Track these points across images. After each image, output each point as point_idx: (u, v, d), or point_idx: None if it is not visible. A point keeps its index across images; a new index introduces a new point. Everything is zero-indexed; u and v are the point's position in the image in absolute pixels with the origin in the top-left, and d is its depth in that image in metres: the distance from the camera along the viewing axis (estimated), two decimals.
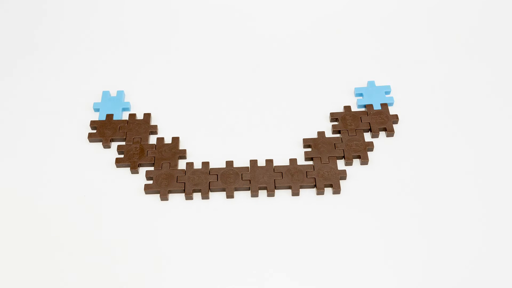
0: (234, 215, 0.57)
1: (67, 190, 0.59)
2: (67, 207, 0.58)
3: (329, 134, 0.63)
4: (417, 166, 0.60)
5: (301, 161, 0.61)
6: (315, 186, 0.58)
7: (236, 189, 0.59)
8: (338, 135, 0.63)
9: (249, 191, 0.59)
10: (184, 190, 0.58)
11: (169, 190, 0.58)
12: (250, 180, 0.59)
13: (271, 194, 0.58)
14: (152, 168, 0.61)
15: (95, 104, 0.67)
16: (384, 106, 0.65)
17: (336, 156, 0.61)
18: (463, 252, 0.53)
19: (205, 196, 0.58)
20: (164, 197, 0.58)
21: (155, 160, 0.61)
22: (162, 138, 0.63)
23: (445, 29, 0.75)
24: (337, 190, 0.58)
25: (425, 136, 0.63)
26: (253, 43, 0.75)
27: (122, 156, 0.62)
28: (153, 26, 0.77)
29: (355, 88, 0.67)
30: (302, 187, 0.58)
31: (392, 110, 0.65)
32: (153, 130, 0.64)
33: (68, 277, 0.53)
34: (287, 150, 0.62)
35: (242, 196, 0.59)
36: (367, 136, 0.63)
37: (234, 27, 0.76)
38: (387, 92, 0.67)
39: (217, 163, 0.61)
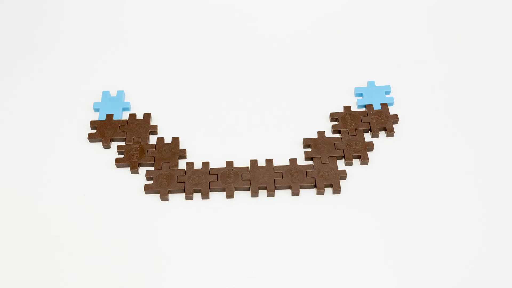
0: (234, 215, 0.57)
1: (67, 190, 0.59)
2: (67, 207, 0.58)
3: (329, 134, 0.63)
4: (417, 166, 0.60)
5: (301, 161, 0.61)
6: (315, 186, 0.58)
7: (236, 189, 0.59)
8: (338, 135, 0.63)
9: (249, 191, 0.59)
10: (184, 190, 0.58)
11: (169, 190, 0.58)
12: (250, 180, 0.59)
13: (271, 194, 0.58)
14: (152, 168, 0.61)
15: (95, 104, 0.67)
16: (384, 106, 0.65)
17: (336, 156, 0.61)
18: (463, 252, 0.53)
19: (205, 196, 0.58)
20: (164, 197, 0.58)
21: (155, 160, 0.61)
22: (162, 138, 0.63)
23: (445, 29, 0.75)
24: (337, 190, 0.58)
25: (425, 136, 0.63)
26: (253, 43, 0.75)
27: (122, 156, 0.62)
28: (153, 26, 0.77)
29: (355, 88, 0.67)
30: (302, 187, 0.58)
31: (392, 110, 0.65)
32: (153, 130, 0.64)
33: (68, 277, 0.53)
34: (287, 150, 0.62)
35: (242, 196, 0.59)
36: (367, 136, 0.63)
37: (234, 27, 0.76)
38: (387, 92, 0.67)
39: (217, 163, 0.61)
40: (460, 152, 0.61)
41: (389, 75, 0.70)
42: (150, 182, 0.60)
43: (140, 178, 0.60)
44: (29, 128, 0.65)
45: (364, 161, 0.60)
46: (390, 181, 0.59)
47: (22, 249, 0.55)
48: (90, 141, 0.64)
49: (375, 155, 0.61)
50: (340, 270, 0.53)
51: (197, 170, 0.60)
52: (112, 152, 0.63)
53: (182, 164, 0.61)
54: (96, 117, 0.66)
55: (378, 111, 0.65)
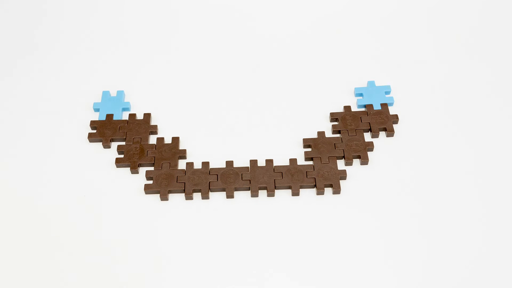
0: (234, 215, 0.57)
1: (67, 190, 0.59)
2: (67, 207, 0.58)
3: (329, 134, 0.63)
4: (417, 166, 0.60)
5: (301, 161, 0.61)
6: (315, 186, 0.58)
7: (236, 189, 0.59)
8: (338, 135, 0.63)
9: (249, 191, 0.59)
10: (184, 190, 0.58)
11: (169, 190, 0.58)
12: (250, 180, 0.59)
13: (271, 194, 0.58)
14: (152, 168, 0.61)
15: (95, 104, 0.67)
16: (384, 106, 0.65)
17: (336, 156, 0.61)
18: (463, 252, 0.53)
19: (205, 196, 0.58)
20: (164, 197, 0.58)
21: (155, 160, 0.61)
22: (162, 138, 0.63)
23: (445, 29, 0.75)
24: (337, 190, 0.58)
25: (425, 136, 0.63)
26: (253, 43, 0.74)
27: (122, 156, 0.62)
28: (153, 26, 0.77)
29: (355, 88, 0.67)
30: (302, 187, 0.58)
31: (392, 110, 0.65)
32: (153, 130, 0.64)
33: (68, 277, 0.53)
34: (287, 150, 0.62)
35: (242, 196, 0.59)
36: (367, 136, 0.63)
37: (234, 27, 0.76)
38: (387, 92, 0.67)
39: (217, 163, 0.61)
40: (460, 152, 0.61)
41: (389, 75, 0.70)
42: (150, 182, 0.60)
43: (140, 178, 0.60)
44: (29, 128, 0.65)
45: (364, 161, 0.60)
46: (390, 181, 0.59)
47: (22, 249, 0.55)
48: (90, 141, 0.64)
49: (375, 155, 0.61)
50: (340, 270, 0.53)
51: (197, 170, 0.60)
52: (112, 152, 0.63)
53: (182, 164, 0.61)
54: (96, 117, 0.66)
55: (378, 111, 0.65)
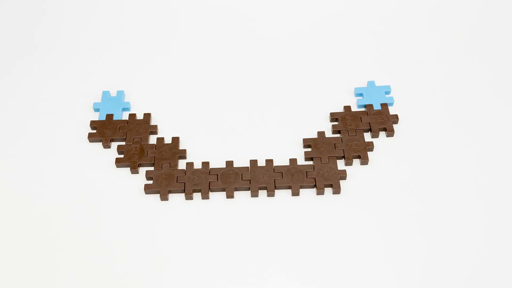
0: (234, 215, 0.57)
1: (67, 190, 0.59)
2: (67, 207, 0.58)
3: (329, 134, 0.63)
4: (417, 166, 0.60)
5: (301, 161, 0.61)
6: (315, 186, 0.58)
7: (236, 189, 0.59)
8: (338, 135, 0.63)
9: (249, 191, 0.59)
10: (184, 190, 0.58)
11: (169, 190, 0.58)
12: (250, 180, 0.59)
13: (271, 194, 0.58)
14: (152, 168, 0.61)
15: (95, 104, 0.67)
16: (384, 106, 0.65)
17: (336, 156, 0.61)
18: (463, 252, 0.53)
19: (205, 196, 0.58)
20: (164, 197, 0.58)
21: (155, 160, 0.61)
22: (162, 138, 0.63)
23: (445, 29, 0.75)
24: (337, 190, 0.58)
25: (425, 136, 0.63)
26: (253, 43, 0.75)
27: (122, 156, 0.62)
28: (153, 26, 0.77)
29: (355, 88, 0.67)
30: (302, 187, 0.58)
31: (392, 110, 0.65)
32: (153, 130, 0.64)
33: (68, 277, 0.53)
34: (287, 150, 0.62)
35: (242, 196, 0.59)
36: (367, 136, 0.63)
37: (234, 27, 0.76)
38: (387, 92, 0.67)
39: (217, 163, 0.61)
40: (460, 152, 0.61)
41: (389, 75, 0.70)
42: (150, 182, 0.60)
43: (140, 178, 0.60)
44: (29, 128, 0.65)
45: (364, 161, 0.60)
46: (390, 181, 0.59)
47: (22, 249, 0.55)
48: (90, 141, 0.64)
49: (375, 155, 0.61)
50: (340, 270, 0.53)
51: (197, 170, 0.60)
52: (112, 152, 0.63)
53: (182, 164, 0.61)
54: (96, 117, 0.66)
55: (378, 111, 0.64)
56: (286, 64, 0.72)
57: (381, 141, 0.63)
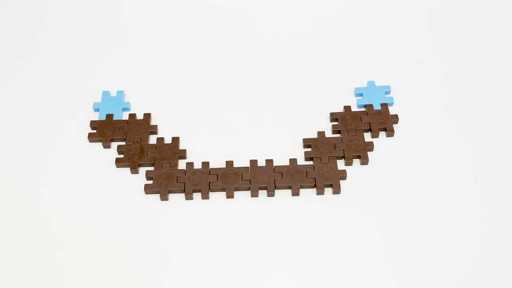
0: (234, 215, 0.57)
1: (67, 190, 0.59)
2: (67, 207, 0.58)
3: (329, 134, 0.63)
4: (417, 166, 0.60)
5: (301, 161, 0.61)
6: (315, 186, 0.58)
7: (236, 189, 0.59)
8: (338, 135, 0.63)
9: (249, 191, 0.59)
10: (184, 190, 0.58)
11: (169, 190, 0.58)
12: (250, 180, 0.59)
13: (271, 194, 0.58)
14: (152, 168, 0.61)
15: (95, 104, 0.67)
16: (384, 106, 0.65)
17: (336, 156, 0.61)
18: (463, 252, 0.53)
19: (205, 196, 0.58)
20: (164, 197, 0.58)
21: (155, 160, 0.61)
22: (162, 138, 0.63)
23: (445, 29, 0.75)
24: (337, 190, 0.58)
25: (425, 136, 0.63)
26: (253, 43, 0.75)
27: (122, 156, 0.62)
28: (153, 26, 0.77)
29: (355, 88, 0.67)
30: (302, 187, 0.58)
31: (392, 110, 0.65)
32: (153, 130, 0.64)
33: (68, 277, 0.53)
34: (287, 150, 0.62)
35: (242, 196, 0.59)
36: (367, 136, 0.63)
37: (234, 27, 0.76)
38: (387, 92, 0.67)
39: (217, 163, 0.61)
40: (460, 152, 0.61)
41: (389, 75, 0.70)
42: (150, 182, 0.60)
43: (140, 178, 0.60)
44: (29, 128, 0.65)
45: (364, 161, 0.60)
46: (390, 181, 0.59)
47: (22, 249, 0.55)
48: (90, 141, 0.64)
49: (375, 155, 0.61)
50: (340, 270, 0.53)
51: (197, 170, 0.60)
52: (112, 152, 0.63)
53: (182, 164, 0.61)
54: (96, 117, 0.66)
55: (378, 111, 0.65)
56: (286, 64, 0.72)
57: (381, 141, 0.63)
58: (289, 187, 0.58)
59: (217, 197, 0.58)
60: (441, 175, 0.59)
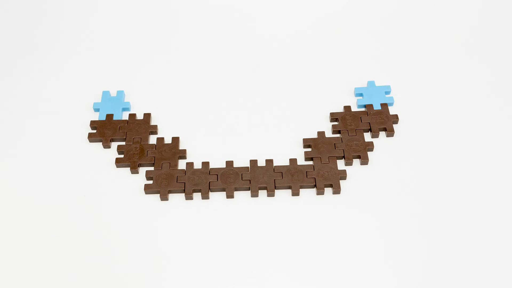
0: (234, 215, 0.57)
1: (67, 190, 0.59)
2: (67, 207, 0.58)
3: (329, 134, 0.63)
4: (417, 166, 0.60)
5: (301, 161, 0.61)
6: (315, 186, 0.58)
7: (236, 189, 0.59)
8: (338, 135, 0.63)
9: (249, 191, 0.59)
10: (184, 190, 0.58)
11: (169, 190, 0.58)
12: (250, 180, 0.59)
13: (271, 194, 0.58)
14: (152, 168, 0.61)
15: (95, 104, 0.67)
16: (384, 106, 0.65)
17: (336, 156, 0.61)
18: (463, 252, 0.53)
19: (205, 196, 0.58)
20: (164, 197, 0.58)
21: (155, 160, 0.61)
22: (162, 138, 0.63)
23: (445, 29, 0.75)
24: (337, 190, 0.58)
25: (425, 136, 0.63)
26: (253, 43, 0.75)
27: (122, 156, 0.62)
28: (153, 26, 0.77)
29: (355, 88, 0.67)
30: (302, 187, 0.58)
31: (392, 110, 0.65)
32: (153, 130, 0.64)
33: (68, 277, 0.53)
34: (287, 150, 0.62)
35: (242, 196, 0.59)
36: (367, 136, 0.63)
37: (234, 27, 0.76)
38: (387, 92, 0.67)
39: (217, 163, 0.61)
40: (460, 152, 0.61)
41: (389, 75, 0.70)
42: (150, 182, 0.60)
43: (140, 178, 0.60)
44: (29, 128, 0.65)
45: (364, 161, 0.60)
46: (390, 181, 0.59)
47: (22, 249, 0.55)
48: (90, 141, 0.64)
49: (375, 155, 0.61)
50: (340, 270, 0.53)
51: (197, 170, 0.60)
52: (112, 152, 0.63)
53: (182, 164, 0.61)
54: (96, 117, 0.66)
55: (378, 111, 0.65)
56: (286, 64, 0.72)
57: (381, 141, 0.63)
58: (289, 187, 0.58)
59: (217, 197, 0.58)
60: (441, 175, 0.59)
